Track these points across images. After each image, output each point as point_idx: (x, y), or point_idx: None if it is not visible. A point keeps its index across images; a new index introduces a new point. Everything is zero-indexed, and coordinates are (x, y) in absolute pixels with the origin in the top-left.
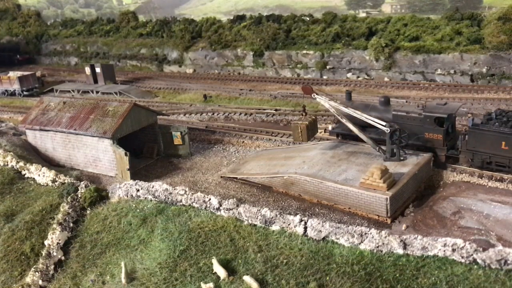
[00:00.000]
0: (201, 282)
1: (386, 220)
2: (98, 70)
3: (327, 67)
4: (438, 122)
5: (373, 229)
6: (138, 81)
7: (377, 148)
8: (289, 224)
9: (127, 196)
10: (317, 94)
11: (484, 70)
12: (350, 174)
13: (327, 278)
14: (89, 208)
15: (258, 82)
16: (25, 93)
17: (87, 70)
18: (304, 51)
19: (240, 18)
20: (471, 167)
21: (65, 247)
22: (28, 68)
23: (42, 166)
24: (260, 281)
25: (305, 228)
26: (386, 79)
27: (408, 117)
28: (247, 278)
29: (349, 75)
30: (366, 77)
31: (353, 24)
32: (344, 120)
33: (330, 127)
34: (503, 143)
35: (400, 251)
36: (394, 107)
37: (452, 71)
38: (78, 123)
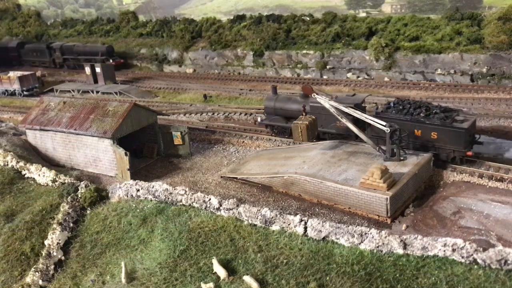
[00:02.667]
0: (201, 282)
1: (386, 220)
2: (98, 70)
3: (327, 67)
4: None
5: (373, 229)
6: (138, 81)
7: (377, 148)
8: (289, 224)
9: (127, 196)
10: (317, 94)
11: (484, 70)
12: (350, 174)
13: (327, 278)
14: (89, 208)
15: (258, 82)
16: (25, 93)
17: (87, 70)
18: (304, 51)
19: (240, 18)
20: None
21: (65, 247)
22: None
23: (42, 166)
24: (260, 281)
25: (305, 228)
26: (386, 79)
27: (323, 108)
28: (247, 278)
29: (349, 75)
30: (366, 77)
31: (353, 24)
32: (344, 120)
33: (259, 119)
34: (419, 131)
35: (400, 251)
36: (311, 99)
37: (452, 71)
38: (78, 123)
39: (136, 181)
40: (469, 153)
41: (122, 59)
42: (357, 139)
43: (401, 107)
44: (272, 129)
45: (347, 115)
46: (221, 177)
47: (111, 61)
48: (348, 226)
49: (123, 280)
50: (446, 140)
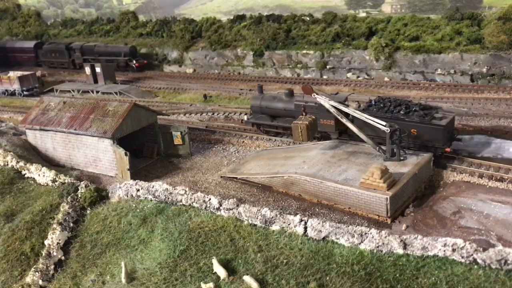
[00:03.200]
0: (201, 282)
1: (386, 220)
2: (98, 70)
3: (327, 67)
4: (327, 109)
5: (373, 229)
6: (138, 81)
7: (377, 148)
8: (289, 224)
9: (127, 196)
10: (317, 94)
11: (484, 70)
12: (350, 174)
13: (327, 278)
14: (89, 208)
15: (258, 82)
16: (25, 93)
17: (87, 70)
18: (304, 51)
19: (240, 18)
20: None
21: (65, 247)
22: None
23: (42, 166)
24: (260, 281)
25: (305, 228)
26: (386, 79)
27: (307, 106)
28: (247, 278)
29: (349, 75)
30: (366, 77)
31: (353, 24)
32: (344, 120)
33: (245, 117)
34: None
35: (400, 251)
36: (296, 98)
37: (452, 71)
38: (78, 123)
39: (136, 181)
40: (448, 149)
41: (145, 60)
42: (340, 136)
43: (382, 105)
44: (258, 128)
45: (347, 115)
46: (221, 177)
47: (134, 62)
48: (348, 226)
49: (123, 280)
50: (425, 136)
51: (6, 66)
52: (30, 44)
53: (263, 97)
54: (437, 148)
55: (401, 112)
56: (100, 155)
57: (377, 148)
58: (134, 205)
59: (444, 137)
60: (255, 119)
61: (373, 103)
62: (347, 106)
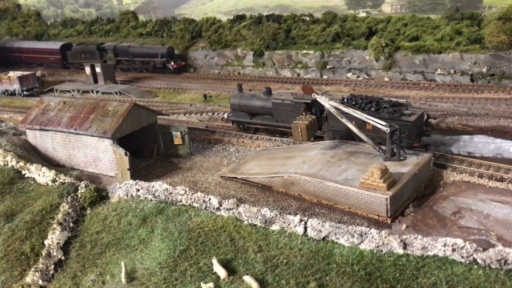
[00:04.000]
0: (201, 282)
1: (386, 220)
2: (98, 70)
3: (327, 67)
4: (306, 107)
5: (373, 229)
6: (138, 81)
7: (377, 148)
8: (289, 224)
9: (127, 196)
10: (317, 94)
11: (484, 70)
12: (350, 174)
13: (327, 278)
14: (89, 208)
15: (258, 82)
16: (25, 93)
17: (87, 70)
18: (304, 51)
19: (240, 18)
20: None
21: (65, 247)
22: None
23: (42, 166)
24: (260, 281)
25: (305, 228)
26: (386, 79)
27: (283, 104)
28: (247, 278)
29: (349, 75)
30: (366, 77)
31: (353, 24)
32: (344, 120)
33: (225, 115)
34: (353, 122)
35: (400, 251)
36: (274, 96)
37: (452, 71)
38: (78, 123)
39: (136, 181)
40: (416, 144)
41: (183, 62)
42: (315, 138)
43: (353, 102)
44: (238, 125)
45: (347, 115)
46: (221, 177)
47: (172, 63)
48: (348, 226)
49: (123, 280)
50: None
51: (28, 68)
52: (57, 45)
53: (242, 96)
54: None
55: (372, 109)
56: (100, 155)
57: (377, 148)
58: (134, 205)
59: (413, 132)
60: (235, 117)
61: (345, 100)
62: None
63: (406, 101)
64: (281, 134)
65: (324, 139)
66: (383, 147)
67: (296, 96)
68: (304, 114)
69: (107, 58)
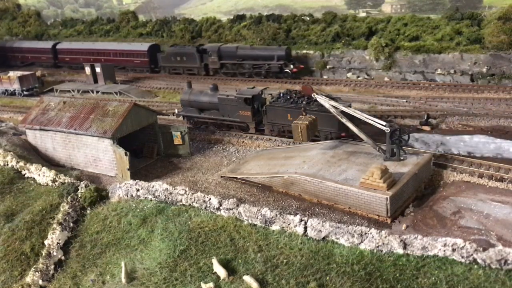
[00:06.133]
0: (201, 282)
1: (386, 220)
2: (98, 69)
3: (327, 67)
4: (247, 102)
5: (373, 229)
6: (138, 81)
7: (377, 148)
8: (289, 224)
9: (127, 196)
10: (317, 94)
11: (484, 70)
12: (350, 173)
13: (327, 278)
14: (89, 208)
15: (258, 82)
16: (25, 93)
17: (87, 69)
18: (304, 51)
19: (240, 17)
20: (273, 136)
21: (65, 247)
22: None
23: (42, 166)
24: (260, 281)
25: (305, 228)
26: (386, 79)
27: (228, 99)
28: (247, 278)
29: (349, 74)
30: (366, 77)
31: (353, 24)
32: (344, 120)
33: (176, 111)
34: (289, 115)
35: (400, 251)
36: (219, 92)
37: (452, 71)
38: (78, 123)
39: (136, 181)
40: (343, 134)
41: (302, 65)
42: (257, 126)
43: (288, 97)
44: (188, 120)
45: (346, 115)
46: (221, 177)
47: (291, 67)
48: (348, 226)
49: (123, 280)
50: (324, 123)
51: (118, 71)
52: (144, 46)
53: (191, 92)
54: (333, 133)
55: (304, 102)
56: (100, 155)
57: (377, 148)
58: (134, 205)
59: (339, 123)
60: (185, 112)
61: (281, 95)
62: (265, 98)
63: (406, 101)
64: (227, 128)
65: (265, 131)
66: (383, 147)
67: (239, 92)
68: (304, 114)
69: (209, 62)
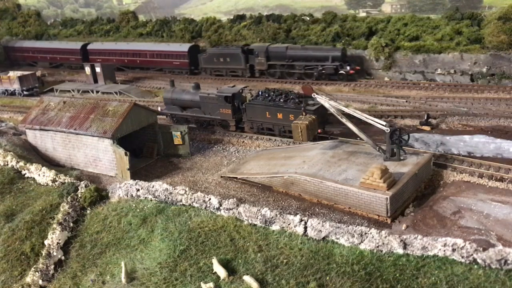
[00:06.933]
0: (201, 282)
1: (386, 220)
2: (98, 69)
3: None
4: (227, 100)
5: (373, 229)
6: (138, 81)
7: (377, 148)
8: (289, 224)
9: (127, 196)
10: (317, 94)
11: (484, 69)
12: (350, 174)
13: (327, 278)
14: (89, 208)
15: (258, 82)
16: (25, 92)
17: (87, 69)
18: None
19: (240, 17)
20: (253, 133)
21: (65, 247)
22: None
23: (42, 166)
24: (260, 281)
25: (305, 228)
26: (386, 78)
27: (209, 97)
28: (247, 278)
29: None
30: (366, 76)
31: (353, 23)
32: (344, 120)
33: (159, 108)
34: (267, 113)
35: (400, 251)
36: (201, 90)
37: (452, 71)
38: (78, 123)
39: (136, 181)
40: (319, 130)
41: (358, 66)
42: (237, 124)
43: (266, 95)
44: (172, 118)
45: (346, 116)
46: (221, 177)
47: (348, 68)
48: (348, 226)
49: (123, 280)
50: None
51: (152, 72)
52: (184, 47)
53: (173, 90)
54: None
55: (281, 100)
56: (100, 155)
57: (377, 148)
58: (134, 205)
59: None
60: (168, 109)
61: (260, 93)
62: (245, 97)
63: (406, 100)
64: (208, 125)
65: (244, 129)
66: (383, 147)
67: (219, 90)
68: (304, 114)
69: (256, 63)
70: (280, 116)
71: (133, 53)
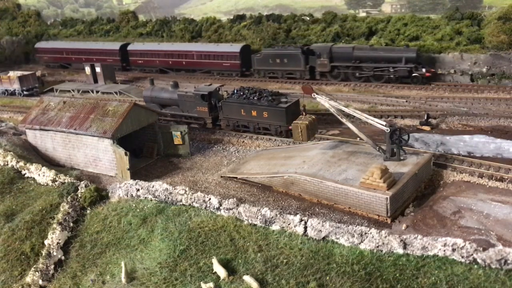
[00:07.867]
0: (201, 282)
1: (386, 220)
2: (98, 69)
3: None
4: (204, 98)
5: (373, 228)
6: (138, 81)
7: (377, 147)
8: (289, 224)
9: (127, 196)
10: (317, 94)
11: (484, 69)
12: (350, 173)
13: (327, 277)
14: (89, 208)
15: (258, 82)
16: (25, 92)
17: (87, 69)
18: None
19: (240, 17)
20: (230, 130)
21: (65, 246)
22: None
23: (42, 166)
24: (260, 280)
25: (305, 227)
26: None
27: (187, 96)
28: (247, 278)
29: None
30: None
31: (353, 23)
32: (344, 120)
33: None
34: (242, 110)
35: (400, 250)
36: (179, 89)
37: (452, 71)
38: (78, 123)
39: (136, 180)
40: (290, 127)
41: (433, 69)
42: (214, 122)
43: (241, 93)
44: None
45: (346, 115)
46: (221, 176)
47: (423, 71)
48: (348, 226)
49: (123, 280)
50: (273, 117)
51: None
52: (235, 48)
53: (153, 89)
54: (282, 127)
55: (255, 98)
56: (100, 155)
57: (377, 148)
58: (134, 205)
59: (286, 117)
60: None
61: (235, 91)
62: (222, 95)
63: (406, 100)
64: (187, 122)
65: (221, 126)
66: (383, 147)
67: (197, 88)
68: (304, 114)
69: (317, 64)
70: (254, 113)
71: (179, 54)
